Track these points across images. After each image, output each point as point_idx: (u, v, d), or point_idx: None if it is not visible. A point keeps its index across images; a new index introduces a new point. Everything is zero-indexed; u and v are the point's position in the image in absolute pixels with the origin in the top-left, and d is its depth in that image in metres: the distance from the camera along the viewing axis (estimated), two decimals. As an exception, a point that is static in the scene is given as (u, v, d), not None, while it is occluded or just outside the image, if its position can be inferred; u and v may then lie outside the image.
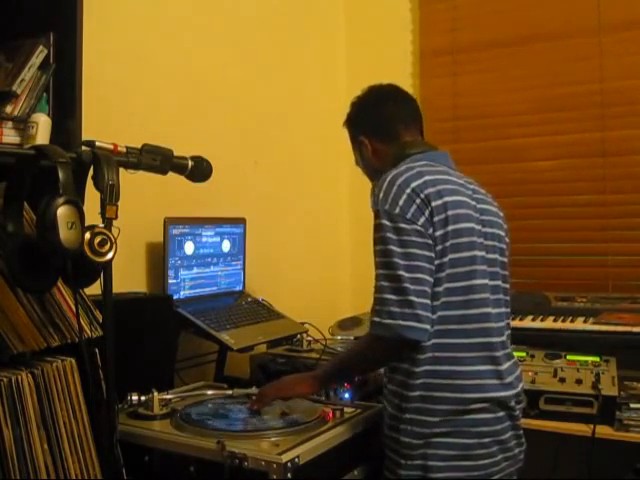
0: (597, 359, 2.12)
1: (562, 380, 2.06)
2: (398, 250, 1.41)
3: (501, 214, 1.66)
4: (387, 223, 1.43)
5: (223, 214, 2.33)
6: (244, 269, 2.38)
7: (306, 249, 2.95)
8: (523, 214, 2.83)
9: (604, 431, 1.92)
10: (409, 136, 1.67)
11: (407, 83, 3.16)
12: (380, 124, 1.69)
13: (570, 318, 2.29)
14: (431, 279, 1.42)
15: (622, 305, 2.36)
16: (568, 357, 2.16)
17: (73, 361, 1.26)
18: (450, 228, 1.44)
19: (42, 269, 1.20)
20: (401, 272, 1.39)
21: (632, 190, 2.69)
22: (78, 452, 1.22)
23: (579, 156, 2.79)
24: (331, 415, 1.52)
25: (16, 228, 1.25)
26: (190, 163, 1.45)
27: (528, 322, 2.27)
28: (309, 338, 2.27)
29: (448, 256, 1.44)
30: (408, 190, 1.44)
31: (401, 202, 1.43)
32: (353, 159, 1.80)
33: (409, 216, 1.42)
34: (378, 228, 1.45)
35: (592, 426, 1.92)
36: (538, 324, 2.27)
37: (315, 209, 3.05)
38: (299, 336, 2.26)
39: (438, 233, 1.43)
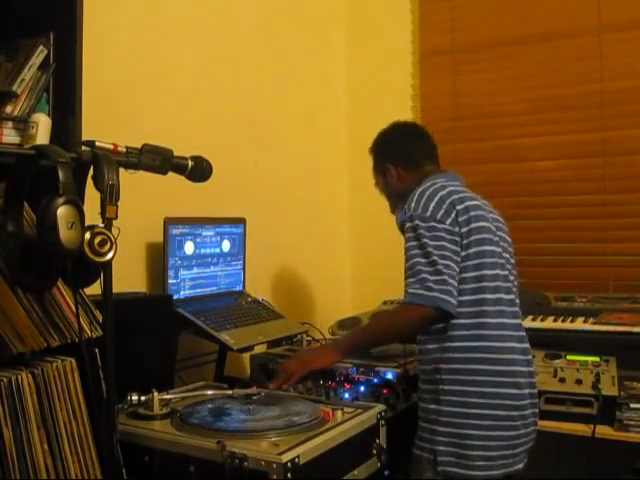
0: (597, 359, 2.13)
1: (562, 380, 2.06)
2: (432, 243, 1.68)
3: (503, 221, 1.89)
4: (421, 224, 1.70)
5: (223, 214, 2.33)
6: (244, 269, 2.38)
7: (306, 249, 2.95)
8: (523, 214, 2.83)
9: (604, 431, 1.92)
10: (429, 166, 1.97)
11: (407, 83, 3.17)
12: (406, 156, 1.98)
13: (570, 318, 2.29)
14: (457, 268, 1.68)
15: (622, 305, 2.36)
16: (568, 357, 2.16)
17: (73, 361, 1.26)
18: (473, 225, 1.73)
19: (42, 269, 1.20)
20: (435, 258, 1.65)
21: (632, 190, 2.69)
22: (78, 452, 1.22)
23: (579, 156, 2.79)
24: (331, 415, 1.52)
25: (16, 228, 1.24)
26: (190, 163, 1.44)
27: (528, 322, 2.26)
28: (309, 338, 2.28)
29: (473, 248, 1.71)
30: (436, 198, 1.73)
31: (431, 207, 1.72)
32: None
33: (439, 217, 1.70)
34: (412, 229, 1.72)
35: (592, 426, 1.92)
36: (538, 324, 2.27)
37: (315, 209, 3.05)
38: (299, 336, 2.27)
39: (464, 230, 1.71)
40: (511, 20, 2.91)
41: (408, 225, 1.73)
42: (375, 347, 1.99)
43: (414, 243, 1.70)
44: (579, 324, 2.24)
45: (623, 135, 2.71)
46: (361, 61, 3.28)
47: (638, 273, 2.65)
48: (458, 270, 1.68)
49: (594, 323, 2.21)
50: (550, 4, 2.83)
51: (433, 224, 1.69)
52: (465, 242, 1.71)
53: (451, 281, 1.64)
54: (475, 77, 3.01)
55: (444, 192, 1.75)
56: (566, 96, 2.80)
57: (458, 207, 1.72)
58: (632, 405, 1.93)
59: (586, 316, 2.27)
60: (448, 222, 1.70)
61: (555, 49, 2.82)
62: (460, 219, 1.71)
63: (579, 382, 2.03)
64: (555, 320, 2.30)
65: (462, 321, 1.68)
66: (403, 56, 3.17)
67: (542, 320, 2.30)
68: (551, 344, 2.22)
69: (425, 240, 1.68)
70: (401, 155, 1.98)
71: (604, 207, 2.74)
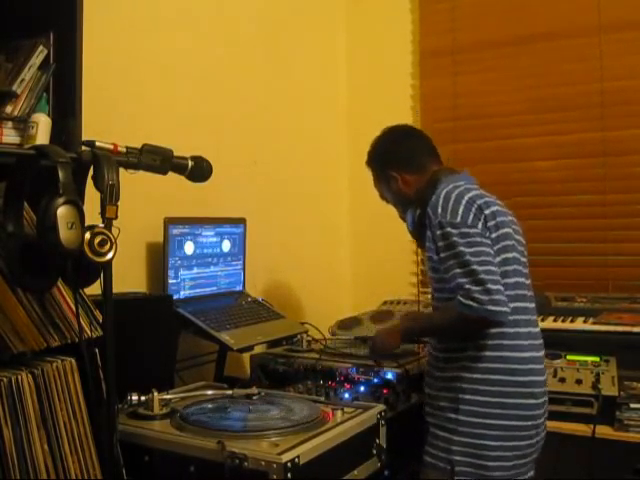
0: (597, 359, 2.13)
1: (562, 380, 2.06)
2: (467, 250, 1.61)
3: (517, 222, 1.83)
4: (452, 230, 1.64)
5: (223, 214, 2.33)
6: (244, 269, 2.38)
7: (306, 249, 2.95)
8: (523, 214, 2.78)
9: (604, 431, 1.92)
10: (435, 165, 1.89)
11: (407, 83, 3.17)
12: (409, 157, 1.90)
13: (570, 318, 2.29)
14: (498, 270, 1.63)
15: (622, 305, 2.36)
16: (568, 357, 2.16)
17: (73, 361, 1.26)
18: (500, 232, 1.69)
19: (42, 269, 1.20)
20: (475, 267, 1.59)
21: (632, 190, 2.69)
22: (78, 452, 1.22)
23: (579, 156, 2.79)
24: (331, 415, 1.52)
25: (16, 228, 1.24)
26: (190, 163, 1.44)
27: (528, 322, 2.27)
28: (309, 338, 2.28)
29: (501, 256, 1.68)
30: (463, 201, 1.67)
31: (460, 211, 1.66)
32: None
33: (469, 222, 1.65)
34: (444, 236, 1.66)
35: (592, 426, 1.92)
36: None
37: (315, 209, 3.05)
38: (299, 336, 2.27)
39: (493, 236, 1.67)
40: (511, 20, 2.91)
41: (438, 233, 1.67)
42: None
43: (450, 253, 1.64)
44: (579, 324, 2.24)
45: (623, 135, 2.71)
46: (361, 61, 3.27)
47: (638, 273, 2.65)
48: (499, 271, 1.63)
49: (594, 323, 2.21)
50: (550, 4, 2.83)
51: (465, 230, 1.63)
52: (494, 248, 1.67)
53: (495, 287, 1.58)
54: (475, 77, 3.01)
55: (470, 195, 1.69)
56: (566, 96, 2.80)
57: (486, 212, 1.68)
58: (632, 405, 1.93)
59: (586, 316, 2.27)
60: (479, 227, 1.65)
61: (555, 49, 2.82)
62: (489, 224, 1.67)
63: (579, 382, 2.03)
64: (555, 320, 2.30)
65: (485, 331, 1.66)
66: (403, 56, 3.17)
67: (542, 320, 2.30)
68: (551, 344, 2.20)
69: (461, 248, 1.62)
70: (401, 159, 1.89)
71: (604, 207, 2.74)
